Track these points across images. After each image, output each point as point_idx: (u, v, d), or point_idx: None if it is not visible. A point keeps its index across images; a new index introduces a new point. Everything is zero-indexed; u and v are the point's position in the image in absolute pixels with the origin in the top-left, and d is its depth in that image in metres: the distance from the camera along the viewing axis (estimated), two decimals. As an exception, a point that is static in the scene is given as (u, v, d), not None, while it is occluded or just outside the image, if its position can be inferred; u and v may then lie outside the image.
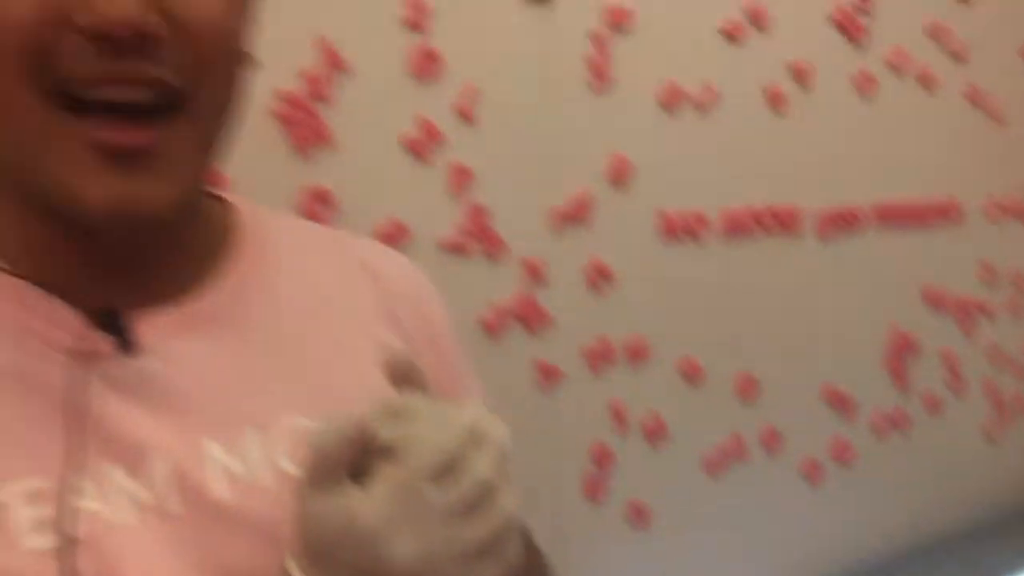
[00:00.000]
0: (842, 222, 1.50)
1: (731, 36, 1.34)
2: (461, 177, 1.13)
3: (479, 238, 1.15)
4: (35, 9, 0.45)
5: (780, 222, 1.42)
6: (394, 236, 1.08)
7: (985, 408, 1.76)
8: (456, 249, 1.14)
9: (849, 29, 1.46)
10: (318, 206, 1.01)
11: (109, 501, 0.51)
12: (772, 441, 1.46)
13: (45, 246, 0.53)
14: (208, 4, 0.48)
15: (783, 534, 1.49)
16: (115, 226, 0.49)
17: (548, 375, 1.22)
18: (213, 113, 0.51)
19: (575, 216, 1.22)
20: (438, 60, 1.09)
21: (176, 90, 0.48)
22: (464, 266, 1.15)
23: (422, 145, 1.09)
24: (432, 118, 1.09)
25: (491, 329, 1.17)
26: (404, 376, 0.49)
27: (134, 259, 0.55)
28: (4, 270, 0.52)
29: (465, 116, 1.12)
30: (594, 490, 1.27)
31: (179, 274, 0.57)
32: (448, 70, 1.10)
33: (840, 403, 1.54)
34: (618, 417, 1.29)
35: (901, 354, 1.61)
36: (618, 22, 1.22)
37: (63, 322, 0.52)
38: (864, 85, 1.50)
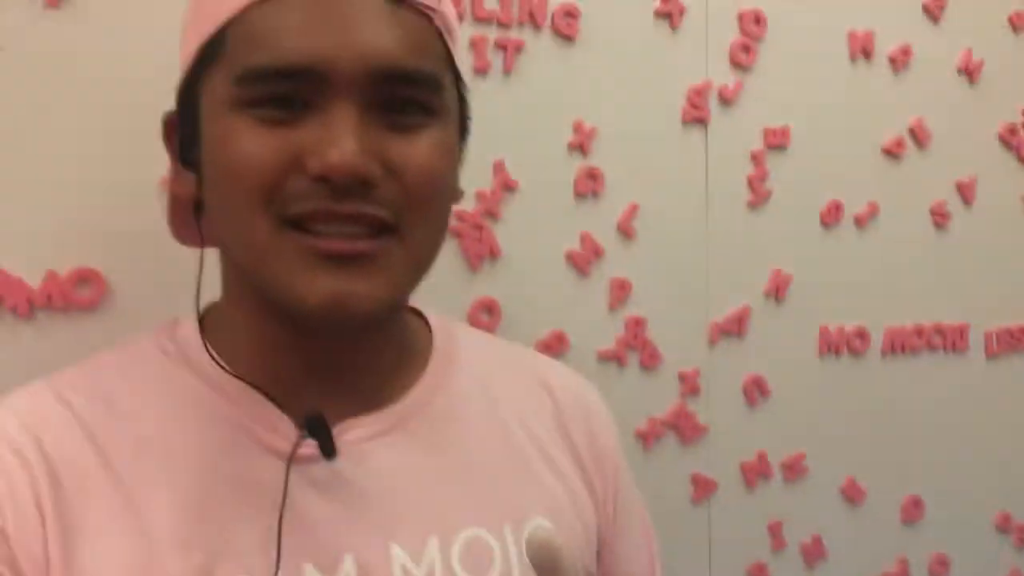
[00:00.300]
0: (1012, 340, 1.44)
1: (893, 155, 1.34)
2: (621, 291, 1.16)
3: (637, 348, 1.17)
4: (276, 154, 0.53)
5: (946, 339, 1.38)
6: (554, 346, 1.12)
7: None
8: (614, 359, 1.16)
9: (1015, 146, 1.43)
10: (485, 316, 1.06)
11: None
12: (940, 569, 1.38)
13: (267, 350, 0.59)
14: (421, 152, 0.55)
15: (955, 672, 1.40)
16: (332, 322, 0.54)
17: (703, 488, 1.21)
18: (424, 239, 0.57)
19: (733, 330, 1.23)
20: (600, 179, 1.14)
21: (390, 225, 0.54)
22: (621, 376, 1.17)
23: (584, 259, 1.13)
24: (594, 234, 1.14)
25: (647, 439, 1.18)
26: (545, 563, 0.48)
27: (343, 363, 0.61)
28: (227, 371, 0.58)
29: (626, 232, 1.16)
30: (751, 611, 1.24)
31: (378, 381, 0.62)
32: (610, 189, 1.15)
33: (1015, 531, 1.45)
34: (775, 536, 1.26)
35: (1085, 482, 1.51)
36: (779, 143, 1.25)
37: (278, 426, 0.58)
38: (1034, 200, 1.46)
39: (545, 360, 0.75)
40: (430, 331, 0.68)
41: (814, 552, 1.29)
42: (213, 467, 0.56)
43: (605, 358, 1.16)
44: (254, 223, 0.54)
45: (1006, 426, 1.45)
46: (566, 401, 0.72)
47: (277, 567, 0.55)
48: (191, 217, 0.59)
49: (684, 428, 1.20)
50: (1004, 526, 1.44)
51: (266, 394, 0.59)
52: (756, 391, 1.25)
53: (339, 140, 0.51)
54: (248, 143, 0.53)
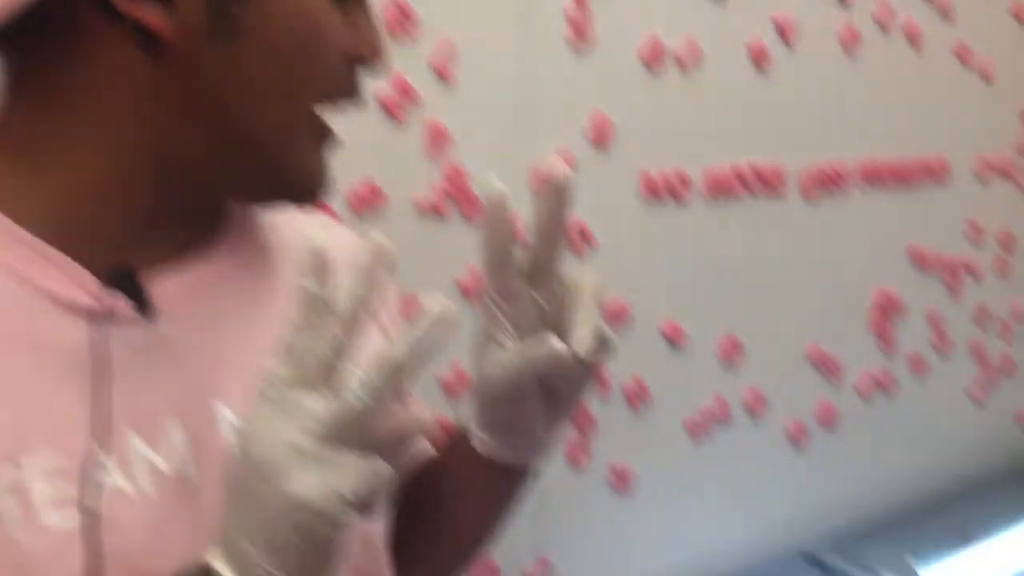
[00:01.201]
0: (827, 181, 1.48)
1: (715, -8, 1.31)
2: (437, 138, 1.10)
3: (457, 200, 1.13)
4: (342, 36, 0.54)
5: (764, 182, 1.40)
6: (368, 198, 1.06)
7: (971, 369, 1.76)
8: (433, 211, 1.12)
9: (835, -16, 1.43)
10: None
11: (130, 472, 0.49)
12: (756, 405, 1.45)
13: (118, 208, 0.52)
14: None
15: (767, 498, 1.49)
16: (313, 200, 0.57)
17: (528, 339, 1.20)
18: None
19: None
20: (412, 17, 1.06)
21: None
22: (441, 229, 1.13)
23: (397, 104, 1.06)
24: (407, 76, 1.07)
25: (469, 292, 1.16)
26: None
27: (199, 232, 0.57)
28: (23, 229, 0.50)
29: (441, 75, 1.09)
30: (576, 456, 1.26)
31: (181, 236, 0.56)
32: (424, 27, 1.07)
33: (825, 365, 1.53)
34: (600, 382, 1.27)
35: (887, 315, 1.60)
36: (598, -23, 1.19)
37: (83, 281, 0.50)
38: (850, 42, 1.48)
39: (314, 218, 0.70)
40: None
41: (637, 394, 1.31)
42: (8, 336, 0.48)
43: (424, 210, 1.11)
44: (302, 98, 0.54)
45: (818, 265, 1.50)
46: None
47: (94, 439, 0.48)
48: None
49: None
50: (816, 359, 1.52)
51: (69, 252, 0.51)
52: (580, 239, 1.23)
53: (380, 32, 0.56)
54: (329, 20, 0.53)
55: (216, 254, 0.57)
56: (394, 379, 0.45)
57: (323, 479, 0.44)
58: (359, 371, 0.45)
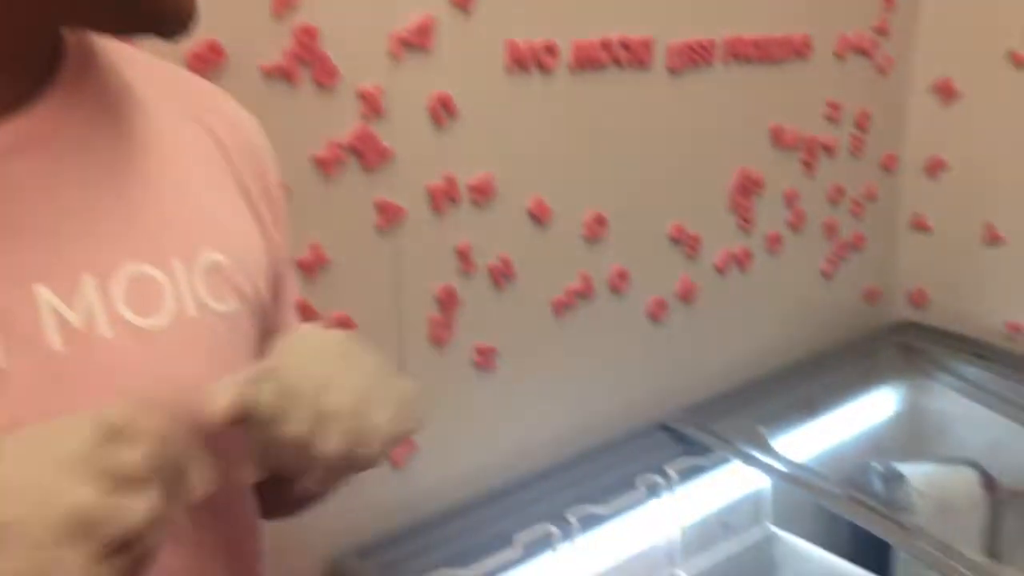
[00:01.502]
0: (694, 56, 1.46)
1: None
2: (285, -6, 1.01)
3: (309, 64, 1.05)
4: None
5: (632, 54, 1.37)
6: (209, 59, 0.96)
7: (822, 246, 1.82)
8: (282, 76, 1.03)
9: None
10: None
11: None
12: (619, 282, 1.45)
13: None
14: None
15: (629, 373, 1.52)
16: (177, 35, 0.52)
17: (389, 215, 1.15)
18: None
19: (417, 43, 1.13)
20: None
21: None
22: (292, 96, 1.05)
23: (238, -46, 0.96)
24: (249, -77, 0.96)
25: (327, 166, 1.09)
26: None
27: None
28: None
29: (288, -77, 0.99)
30: (439, 334, 1.24)
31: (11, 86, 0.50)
32: None
33: (687, 242, 1.54)
34: (464, 259, 1.24)
35: (747, 193, 1.62)
36: None
37: None
38: (721, -90, 1.43)
39: (203, 86, 0.64)
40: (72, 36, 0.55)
41: (502, 272, 1.29)
42: None
43: (271, 75, 1.02)
44: None
45: (683, 141, 1.49)
46: (228, 135, 0.63)
47: None
48: None
49: (367, 152, 1.11)
50: (678, 237, 1.53)
51: None
52: (442, 111, 1.17)
53: None
54: None
55: (51, 107, 0.51)
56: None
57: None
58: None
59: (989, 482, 1.62)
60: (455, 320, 1.25)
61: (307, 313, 1.02)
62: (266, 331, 0.64)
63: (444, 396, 1.27)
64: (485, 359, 1.29)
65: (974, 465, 1.65)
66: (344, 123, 1.10)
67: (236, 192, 0.62)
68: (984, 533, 1.61)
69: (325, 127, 1.09)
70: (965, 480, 1.62)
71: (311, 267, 1.09)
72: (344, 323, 1.12)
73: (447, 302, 1.23)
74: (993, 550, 1.63)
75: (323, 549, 1.17)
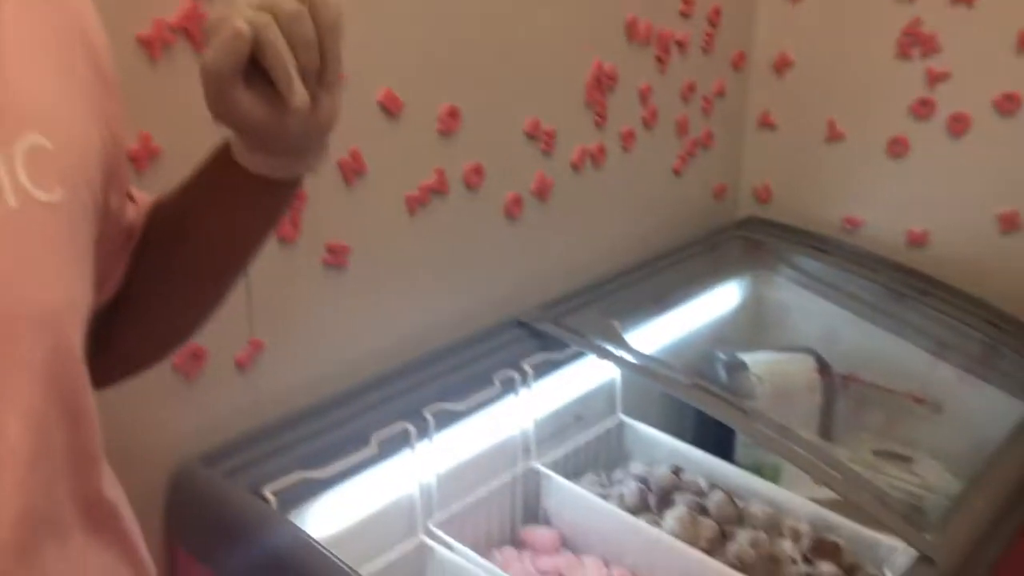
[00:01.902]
0: (550, -56, 1.41)
1: None
2: None
3: (129, -67, 0.95)
4: None
5: (486, -61, 1.31)
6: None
7: (673, 143, 1.83)
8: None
9: None
10: None
11: None
12: (475, 178, 1.42)
13: None
14: None
15: (485, 270, 1.50)
16: None
17: (227, 105, 1.08)
18: None
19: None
20: None
21: None
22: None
23: None
24: None
25: (151, 46, 1.00)
26: None
27: None
28: None
29: None
30: (285, 231, 1.18)
31: None
32: None
33: (543, 138, 1.52)
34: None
35: (602, 88, 1.61)
36: None
37: None
38: None
39: None
40: None
41: (353, 167, 1.24)
42: None
43: (86, -57, 0.92)
44: None
45: (540, 32, 1.46)
46: (54, 11, 0.58)
47: None
48: None
49: (198, 33, 1.03)
50: (533, 133, 1.50)
51: None
52: (283, -9, 1.09)
53: None
54: None
55: None
56: None
57: None
58: None
59: (824, 368, 1.72)
60: (301, 217, 1.20)
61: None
62: (101, 228, 0.59)
63: (293, 296, 1.22)
64: (336, 257, 1.25)
65: (811, 352, 1.74)
66: (171, 0, 1.01)
67: (64, 72, 0.57)
68: (819, 416, 1.71)
69: (149, 4, 0.99)
70: (803, 367, 1.71)
71: (140, 159, 1.01)
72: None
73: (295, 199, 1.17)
74: (826, 432, 1.74)
75: (166, 459, 1.12)
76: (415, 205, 1.34)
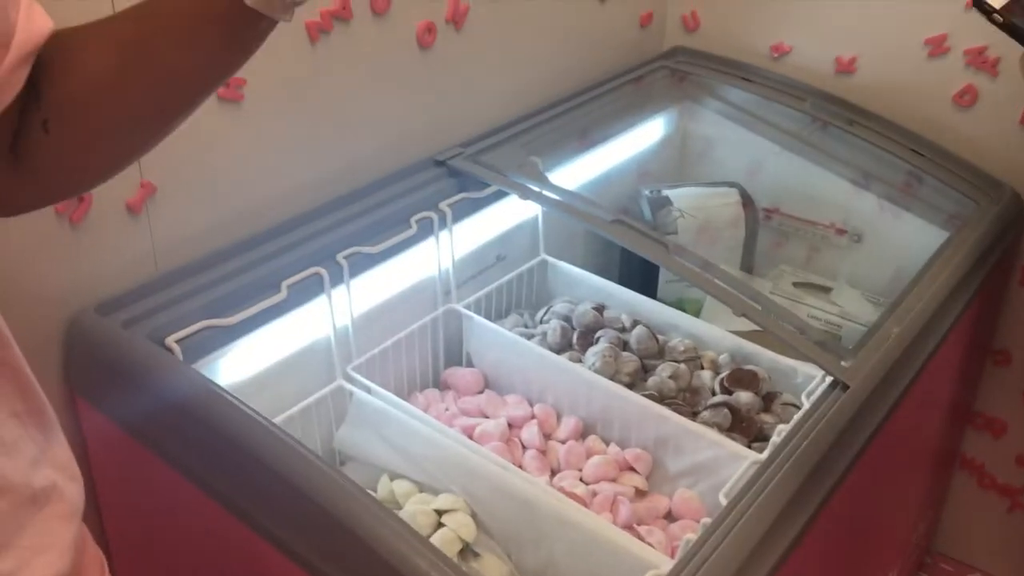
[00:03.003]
0: None
1: None
2: None
3: None
4: None
5: None
6: None
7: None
8: None
9: None
10: None
11: None
12: (381, 2, 1.32)
13: None
14: None
15: (398, 106, 1.42)
16: None
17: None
18: None
19: None
20: None
21: None
22: None
23: None
24: None
25: None
26: None
27: None
28: None
29: None
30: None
31: None
32: None
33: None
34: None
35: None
36: None
37: None
38: None
39: None
40: None
41: (242, -10, 1.13)
42: None
43: None
44: None
45: None
46: None
47: None
48: None
49: None
50: None
51: None
52: None
53: None
54: None
55: None
56: None
57: None
58: None
59: (748, 202, 1.70)
60: (190, 47, 1.09)
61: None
62: None
63: (183, 132, 1.13)
64: (229, 90, 1.15)
65: (735, 186, 1.71)
66: None
67: None
68: (741, 250, 1.71)
69: None
70: (726, 201, 1.69)
71: None
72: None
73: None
74: (748, 265, 1.73)
75: (59, 309, 1.06)
76: (316, 32, 1.24)
